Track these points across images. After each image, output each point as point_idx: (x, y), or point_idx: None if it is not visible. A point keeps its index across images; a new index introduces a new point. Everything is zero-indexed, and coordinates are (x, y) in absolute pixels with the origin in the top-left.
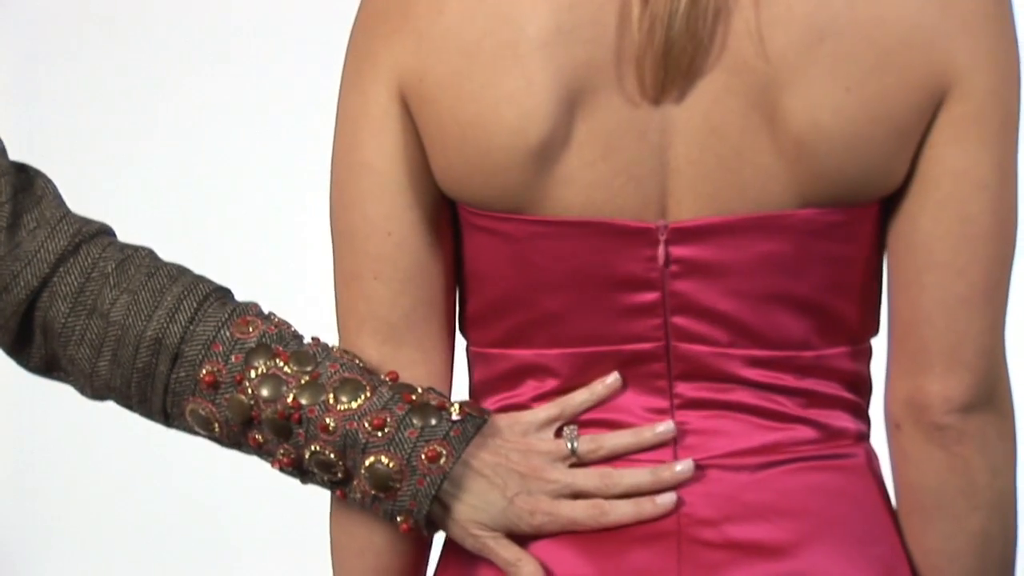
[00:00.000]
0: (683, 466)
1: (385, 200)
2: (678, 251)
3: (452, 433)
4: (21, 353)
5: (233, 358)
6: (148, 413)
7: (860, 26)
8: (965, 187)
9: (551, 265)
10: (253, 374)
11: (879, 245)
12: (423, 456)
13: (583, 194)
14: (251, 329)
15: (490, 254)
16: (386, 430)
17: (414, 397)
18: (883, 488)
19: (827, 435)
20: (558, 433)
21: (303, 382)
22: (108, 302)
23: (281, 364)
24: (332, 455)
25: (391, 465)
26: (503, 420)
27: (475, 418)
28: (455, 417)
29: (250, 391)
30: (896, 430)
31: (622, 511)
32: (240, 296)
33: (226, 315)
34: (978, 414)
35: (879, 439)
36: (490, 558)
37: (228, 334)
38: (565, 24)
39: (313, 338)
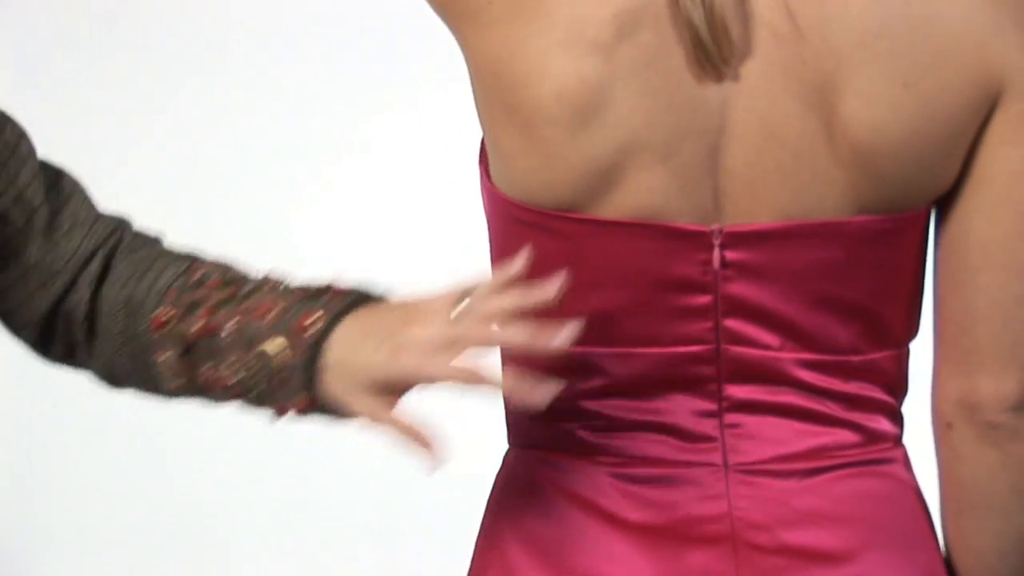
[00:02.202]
0: (545, 392)
1: None
2: (732, 255)
3: (329, 301)
4: (44, 347)
5: (183, 297)
6: (141, 383)
7: (915, 22)
8: (1023, 186)
9: (604, 265)
10: (188, 304)
11: (925, 250)
12: (300, 327)
13: (641, 196)
14: (199, 272)
15: (539, 251)
16: (272, 315)
17: (309, 290)
18: (919, 492)
19: (868, 438)
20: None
21: (221, 299)
22: (107, 286)
23: (209, 290)
24: (243, 356)
25: (276, 343)
26: (393, 300)
27: (360, 292)
28: (337, 292)
29: (184, 320)
30: (947, 429)
31: (496, 378)
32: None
33: (184, 266)
34: None
35: (911, 439)
36: (369, 418)
37: (182, 281)
38: (626, 25)
39: (265, 275)
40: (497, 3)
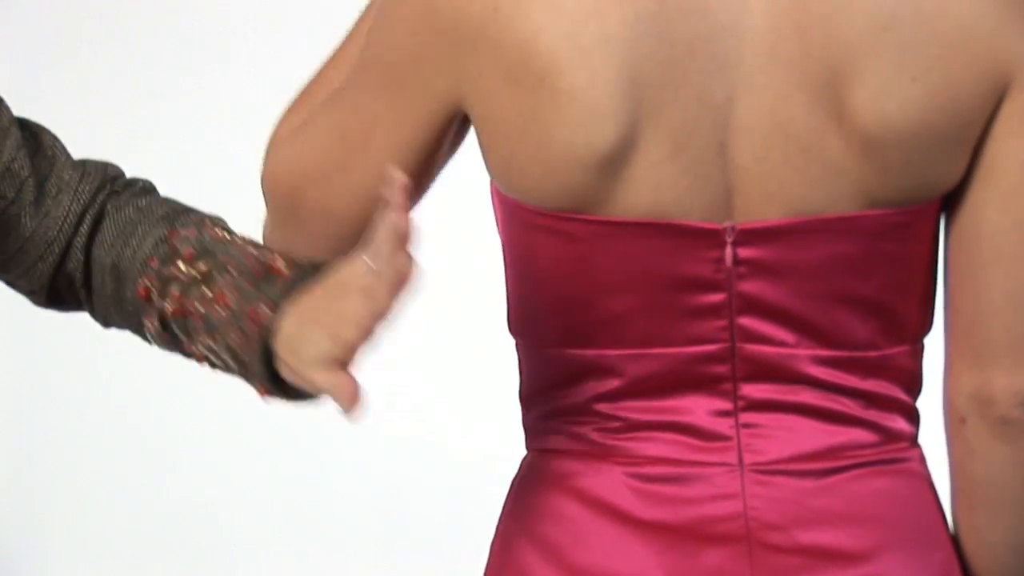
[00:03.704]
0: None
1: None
2: (745, 252)
3: (272, 289)
4: (57, 306)
5: (163, 269)
6: (143, 338)
7: (923, 15)
8: None
9: (615, 266)
10: (166, 278)
11: (936, 243)
12: (250, 320)
13: (650, 195)
14: (175, 240)
15: (551, 254)
16: (229, 305)
17: (260, 272)
18: (935, 491)
19: (885, 438)
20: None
21: (192, 277)
22: (96, 247)
23: (183, 265)
24: (211, 342)
25: (235, 338)
26: (332, 270)
27: (300, 272)
28: (285, 277)
29: (163, 296)
30: (960, 424)
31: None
32: None
33: (165, 231)
34: None
35: (926, 438)
36: (323, 390)
37: (162, 251)
38: (628, 16)
39: (229, 235)
40: (504, 6)
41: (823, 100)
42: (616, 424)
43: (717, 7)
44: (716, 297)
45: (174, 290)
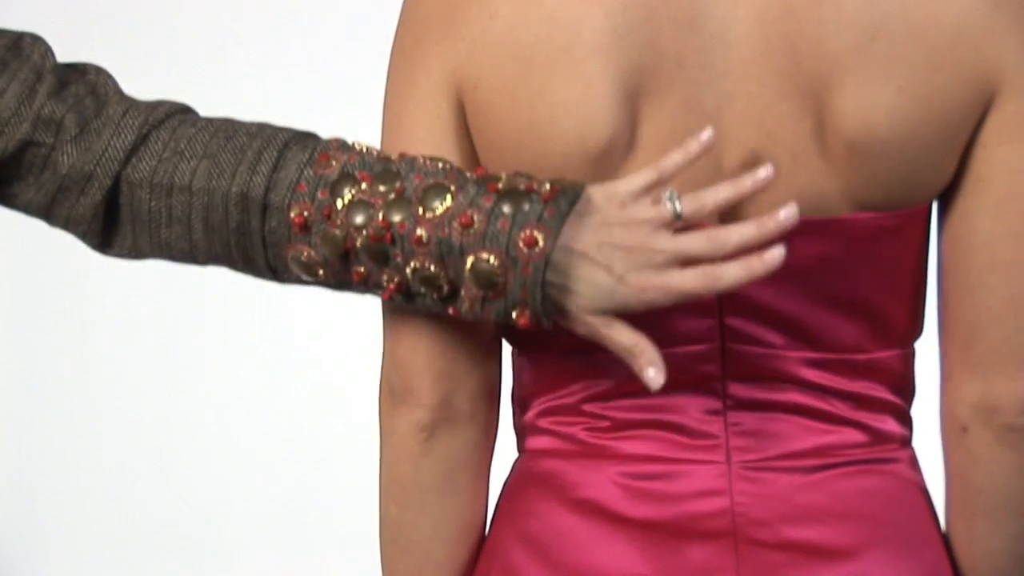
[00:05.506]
0: (787, 212)
1: None
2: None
3: (546, 214)
4: (109, 248)
5: (319, 194)
6: (257, 273)
7: (911, 25)
8: (1023, 185)
9: None
10: (340, 204)
11: (926, 248)
12: (520, 244)
13: None
14: (332, 163)
15: None
16: (476, 226)
17: (500, 185)
18: (927, 493)
19: (875, 439)
20: (657, 200)
21: (390, 199)
22: (188, 174)
23: (365, 187)
24: (433, 267)
25: (492, 260)
26: (598, 192)
27: (567, 193)
28: (546, 196)
29: (340, 222)
30: (963, 433)
31: (733, 274)
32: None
33: (306, 156)
34: None
35: (919, 442)
36: (604, 344)
37: (311, 173)
38: (620, 27)
39: (400, 154)
40: (501, 15)
41: (810, 109)
42: (605, 424)
43: (707, 18)
44: (705, 297)
45: (360, 216)
